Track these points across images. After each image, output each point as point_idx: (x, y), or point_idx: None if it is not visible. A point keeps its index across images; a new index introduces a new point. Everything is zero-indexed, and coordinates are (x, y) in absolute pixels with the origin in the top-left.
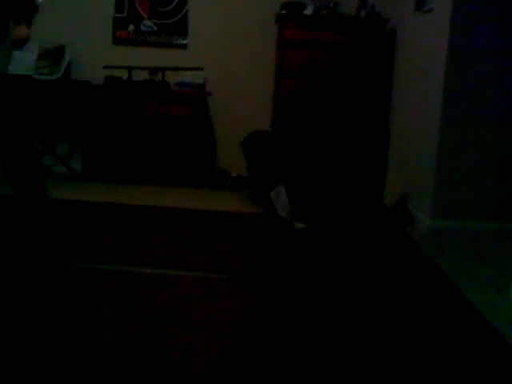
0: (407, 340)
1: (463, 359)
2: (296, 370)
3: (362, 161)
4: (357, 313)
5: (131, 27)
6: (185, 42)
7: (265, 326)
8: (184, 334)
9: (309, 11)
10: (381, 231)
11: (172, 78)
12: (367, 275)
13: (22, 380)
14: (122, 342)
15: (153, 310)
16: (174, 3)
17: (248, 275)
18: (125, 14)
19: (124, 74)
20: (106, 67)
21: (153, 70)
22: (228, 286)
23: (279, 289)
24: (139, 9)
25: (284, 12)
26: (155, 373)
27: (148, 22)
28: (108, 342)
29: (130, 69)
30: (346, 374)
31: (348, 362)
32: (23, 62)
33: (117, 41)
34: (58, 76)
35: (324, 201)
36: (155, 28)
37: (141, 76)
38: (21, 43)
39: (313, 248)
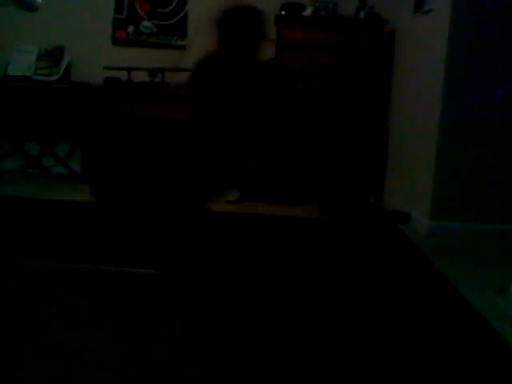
0: (406, 341)
1: (463, 360)
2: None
3: (362, 161)
4: (355, 313)
5: (130, 28)
6: (184, 42)
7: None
8: None
9: (308, 12)
10: (378, 230)
11: (172, 78)
12: (365, 276)
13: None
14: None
15: None
16: (173, 4)
17: None
18: (124, 15)
19: (123, 75)
20: (105, 68)
21: (152, 71)
22: None
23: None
24: (138, 10)
25: (283, 13)
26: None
27: (147, 23)
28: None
29: (129, 70)
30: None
31: (346, 363)
32: (22, 62)
33: (116, 42)
34: (58, 77)
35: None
36: (155, 29)
37: (140, 77)
38: None
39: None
